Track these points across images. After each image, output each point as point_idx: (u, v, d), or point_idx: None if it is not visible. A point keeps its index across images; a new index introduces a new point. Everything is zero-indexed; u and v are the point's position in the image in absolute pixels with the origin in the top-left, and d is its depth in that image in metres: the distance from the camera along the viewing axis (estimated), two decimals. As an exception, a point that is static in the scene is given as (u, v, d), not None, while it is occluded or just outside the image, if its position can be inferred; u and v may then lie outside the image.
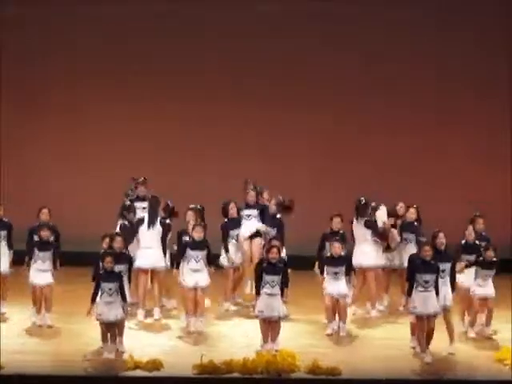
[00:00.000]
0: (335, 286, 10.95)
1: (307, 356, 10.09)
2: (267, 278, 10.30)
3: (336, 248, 11.02)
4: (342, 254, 11.07)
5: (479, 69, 16.64)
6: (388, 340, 11.09)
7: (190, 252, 10.98)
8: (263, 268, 10.52)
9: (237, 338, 11.21)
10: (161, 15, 17.00)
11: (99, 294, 10.20)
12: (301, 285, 12.03)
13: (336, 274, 10.92)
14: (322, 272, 11.17)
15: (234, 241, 12.02)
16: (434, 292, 10.21)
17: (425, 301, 10.20)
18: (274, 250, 10.46)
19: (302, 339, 11.11)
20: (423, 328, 10.25)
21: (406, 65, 16.52)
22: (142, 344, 10.67)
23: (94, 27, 16.91)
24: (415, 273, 10.19)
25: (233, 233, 11.99)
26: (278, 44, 16.62)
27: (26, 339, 10.88)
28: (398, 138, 16.32)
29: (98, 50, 16.88)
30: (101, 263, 10.37)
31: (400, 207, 12.51)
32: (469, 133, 16.52)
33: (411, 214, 12.36)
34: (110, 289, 10.06)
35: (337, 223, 11.94)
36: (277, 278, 10.32)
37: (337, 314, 10.99)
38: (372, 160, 16.28)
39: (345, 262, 11.05)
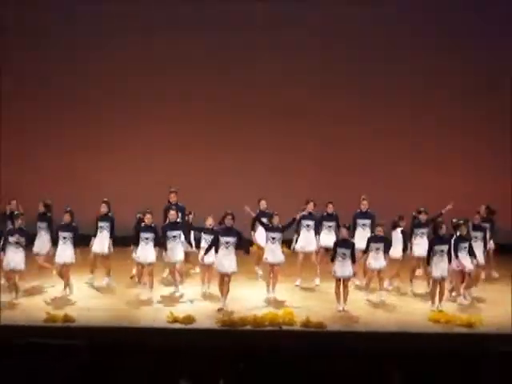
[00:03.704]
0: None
1: (302, 313, 11.87)
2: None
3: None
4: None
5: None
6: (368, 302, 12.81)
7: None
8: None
9: (249, 300, 12.84)
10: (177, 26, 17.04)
11: None
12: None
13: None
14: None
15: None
16: (349, 261, 12.24)
17: (341, 267, 12.20)
18: None
19: (300, 301, 12.83)
20: (340, 286, 12.26)
21: (405, 77, 16.86)
22: (178, 304, 12.48)
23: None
24: (336, 247, 12.29)
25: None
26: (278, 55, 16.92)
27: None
28: (398, 148, 16.82)
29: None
30: None
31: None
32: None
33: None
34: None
35: None
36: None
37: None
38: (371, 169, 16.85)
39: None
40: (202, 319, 11.82)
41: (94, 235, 13.38)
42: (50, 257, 13.10)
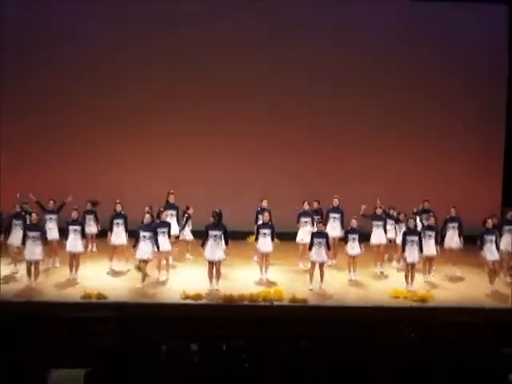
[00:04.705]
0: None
1: (289, 291, 13.67)
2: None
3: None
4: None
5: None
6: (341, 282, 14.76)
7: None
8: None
9: (246, 280, 14.56)
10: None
11: None
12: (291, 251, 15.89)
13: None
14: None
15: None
16: (323, 249, 13.97)
17: (317, 253, 14.00)
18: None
19: (287, 282, 14.62)
20: (314, 267, 14.04)
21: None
22: (188, 284, 13.98)
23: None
24: (313, 238, 14.07)
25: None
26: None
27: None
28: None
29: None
30: None
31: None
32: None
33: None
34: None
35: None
36: None
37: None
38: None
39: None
40: (208, 296, 13.51)
41: (110, 230, 14.91)
42: (22, 249, 14.43)
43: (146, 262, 14.12)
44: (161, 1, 17.69)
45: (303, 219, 15.53)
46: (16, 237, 14.69)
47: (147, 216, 14.18)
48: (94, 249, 16.28)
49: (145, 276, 14.15)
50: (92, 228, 15.78)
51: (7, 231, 14.84)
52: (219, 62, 17.87)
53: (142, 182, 17.61)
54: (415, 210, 15.42)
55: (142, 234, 13.94)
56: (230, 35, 17.86)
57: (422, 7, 17.77)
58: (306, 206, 15.60)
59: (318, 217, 15.65)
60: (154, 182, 17.27)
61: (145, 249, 13.96)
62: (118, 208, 15.06)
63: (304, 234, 15.37)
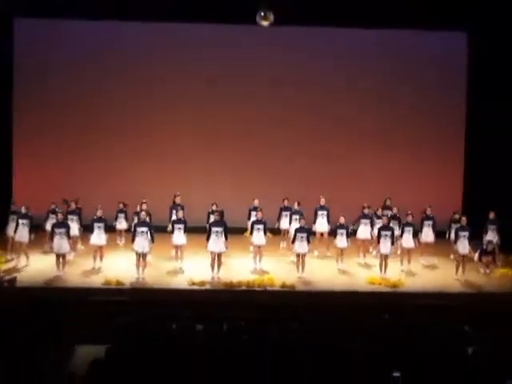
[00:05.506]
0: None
1: (280, 279, 15.01)
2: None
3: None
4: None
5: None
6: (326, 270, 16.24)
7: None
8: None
9: (243, 269, 15.87)
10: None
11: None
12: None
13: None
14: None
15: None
16: (305, 242, 15.34)
17: (300, 246, 15.39)
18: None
19: (278, 271, 15.93)
20: (299, 259, 15.40)
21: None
22: (194, 273, 15.23)
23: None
24: (296, 233, 15.46)
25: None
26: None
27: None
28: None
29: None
30: None
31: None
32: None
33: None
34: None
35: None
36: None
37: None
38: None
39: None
40: (211, 283, 14.79)
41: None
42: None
43: (144, 254, 15.21)
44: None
45: (294, 216, 17.09)
46: (22, 234, 16.00)
47: (143, 213, 15.49)
48: (124, 241, 17.89)
49: (145, 266, 15.34)
50: (123, 224, 17.67)
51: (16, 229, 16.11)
52: (220, 64, 18.67)
53: (143, 182, 18.73)
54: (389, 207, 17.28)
55: (139, 229, 15.09)
56: (229, 37, 18.59)
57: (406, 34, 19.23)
58: (296, 206, 17.22)
59: (297, 216, 16.91)
60: (154, 182, 18.52)
61: (142, 243, 15.09)
62: (144, 207, 16.32)
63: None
